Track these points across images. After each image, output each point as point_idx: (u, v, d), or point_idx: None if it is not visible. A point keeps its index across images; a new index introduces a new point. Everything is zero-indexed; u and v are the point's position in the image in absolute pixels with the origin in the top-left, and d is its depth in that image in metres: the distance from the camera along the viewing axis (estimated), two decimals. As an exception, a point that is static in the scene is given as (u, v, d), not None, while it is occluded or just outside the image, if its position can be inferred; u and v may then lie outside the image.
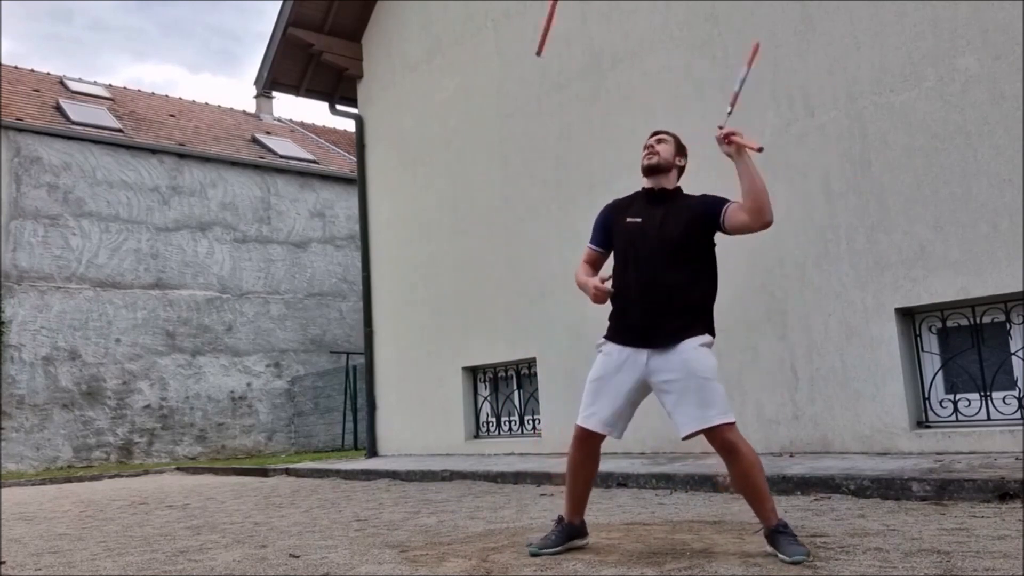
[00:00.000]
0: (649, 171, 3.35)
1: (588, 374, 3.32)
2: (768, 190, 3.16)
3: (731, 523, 3.80)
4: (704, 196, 3.36)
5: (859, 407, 5.91)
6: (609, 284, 3.25)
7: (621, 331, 3.26)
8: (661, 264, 3.19)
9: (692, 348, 3.12)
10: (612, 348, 3.26)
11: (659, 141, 3.38)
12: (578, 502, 3.35)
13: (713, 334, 3.23)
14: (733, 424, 3.03)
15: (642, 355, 3.17)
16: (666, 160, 3.34)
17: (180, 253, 15.97)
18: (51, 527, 5.41)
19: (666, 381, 3.11)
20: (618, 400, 3.20)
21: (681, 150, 3.43)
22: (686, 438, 3.10)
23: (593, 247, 3.51)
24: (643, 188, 3.42)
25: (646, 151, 3.37)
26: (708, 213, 3.23)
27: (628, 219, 3.35)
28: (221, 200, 16.63)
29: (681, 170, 3.42)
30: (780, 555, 2.87)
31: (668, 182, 3.35)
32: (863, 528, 3.47)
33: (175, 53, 69.36)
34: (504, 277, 8.95)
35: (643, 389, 3.22)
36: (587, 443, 3.28)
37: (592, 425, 3.22)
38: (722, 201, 3.25)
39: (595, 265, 3.49)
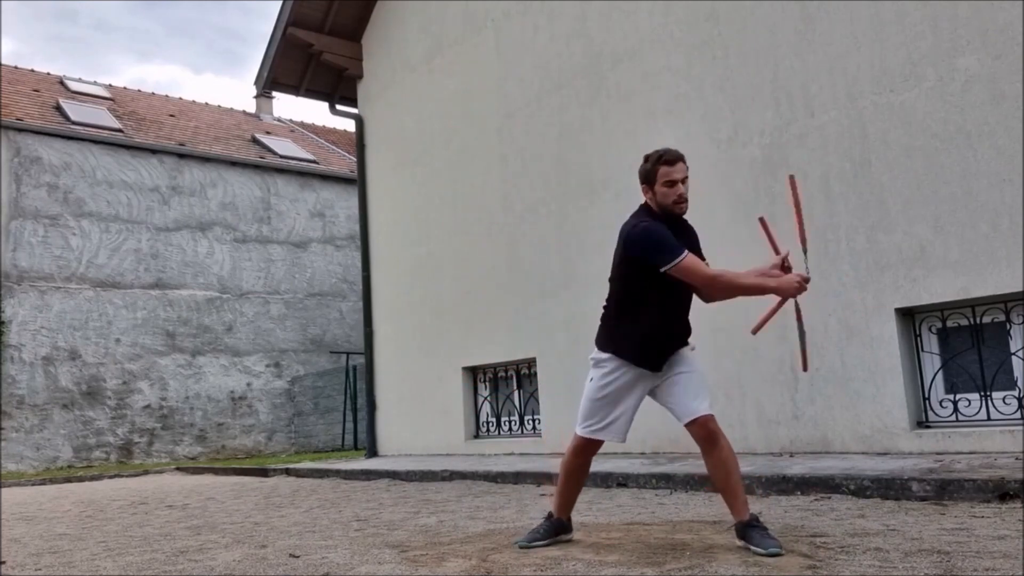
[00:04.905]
0: (677, 216, 3.36)
1: (588, 386, 3.43)
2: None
3: (731, 523, 3.79)
4: (693, 231, 3.50)
5: (859, 407, 5.91)
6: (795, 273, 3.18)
7: (639, 355, 3.32)
8: (688, 300, 3.40)
9: (687, 351, 3.40)
10: (623, 366, 3.34)
11: (684, 181, 3.32)
12: (570, 501, 3.56)
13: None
14: (714, 416, 3.27)
15: (648, 372, 3.36)
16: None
17: (180, 253, 15.97)
18: (51, 527, 5.41)
19: (674, 375, 3.31)
20: (626, 411, 3.38)
21: None
22: (688, 425, 3.26)
23: (688, 253, 3.21)
24: (664, 214, 3.33)
25: (678, 197, 3.28)
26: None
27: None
28: (221, 200, 16.62)
29: None
30: (754, 548, 2.97)
31: None
32: (863, 528, 3.47)
33: (179, 53, 69.44)
34: (504, 277, 8.95)
35: (644, 396, 3.43)
36: (588, 451, 3.49)
37: (599, 436, 3.41)
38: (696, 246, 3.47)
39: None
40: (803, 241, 3.31)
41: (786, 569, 2.72)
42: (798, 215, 3.29)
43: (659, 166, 3.30)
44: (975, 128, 5.43)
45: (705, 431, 3.20)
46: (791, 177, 3.39)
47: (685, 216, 3.46)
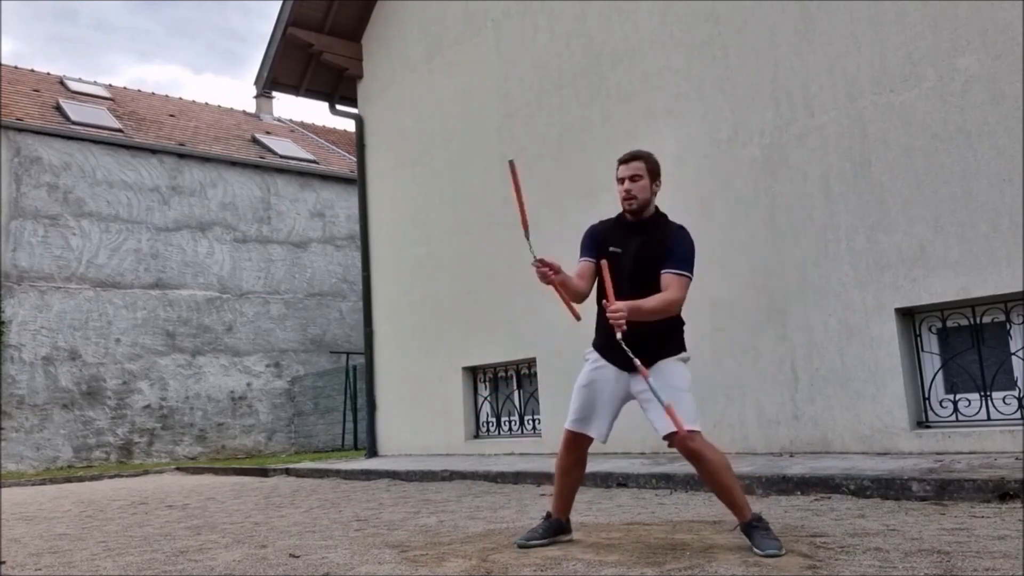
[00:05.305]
0: (630, 214, 3.42)
1: (576, 380, 3.48)
2: (654, 308, 3.20)
3: (731, 523, 3.79)
4: (677, 235, 3.37)
5: (859, 407, 5.91)
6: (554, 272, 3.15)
7: (607, 353, 3.38)
8: (639, 297, 3.23)
9: (668, 363, 3.31)
10: (600, 362, 3.42)
11: (633, 179, 3.35)
12: (566, 501, 3.55)
13: (685, 350, 3.42)
14: (697, 433, 3.16)
15: (624, 373, 3.36)
16: (643, 200, 3.37)
17: (180, 253, 15.97)
18: (51, 527, 5.41)
19: (644, 390, 3.27)
20: (605, 408, 3.41)
21: (655, 174, 3.41)
22: (665, 439, 3.24)
23: (587, 259, 3.44)
24: (622, 215, 3.47)
25: (624, 194, 3.36)
26: (668, 255, 3.31)
27: (610, 248, 3.38)
28: (221, 200, 16.62)
29: (656, 194, 3.44)
30: (754, 549, 2.99)
31: (647, 212, 3.43)
32: (863, 528, 3.47)
33: (179, 53, 69.44)
34: (504, 277, 8.94)
35: (626, 399, 3.43)
36: (577, 446, 3.48)
37: (582, 429, 3.43)
38: (673, 260, 3.28)
39: (585, 277, 3.40)
40: (524, 225, 3.24)
41: (786, 569, 2.72)
42: (519, 201, 3.20)
43: (618, 165, 3.45)
44: (975, 128, 5.43)
45: (682, 447, 3.16)
46: (511, 162, 3.36)
47: (680, 221, 3.47)
